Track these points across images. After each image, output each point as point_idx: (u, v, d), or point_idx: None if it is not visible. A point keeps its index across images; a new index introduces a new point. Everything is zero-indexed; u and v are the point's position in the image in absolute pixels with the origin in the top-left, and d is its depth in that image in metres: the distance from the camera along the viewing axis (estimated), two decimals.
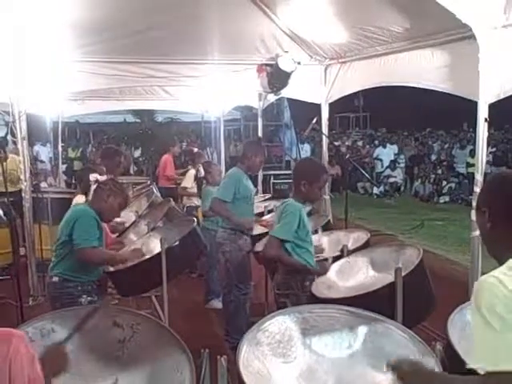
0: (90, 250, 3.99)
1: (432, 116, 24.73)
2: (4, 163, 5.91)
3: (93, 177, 4.54)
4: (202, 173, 6.94)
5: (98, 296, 4.15)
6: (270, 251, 4.04)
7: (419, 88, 5.72)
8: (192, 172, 8.15)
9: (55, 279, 4.11)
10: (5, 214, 6.71)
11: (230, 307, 5.69)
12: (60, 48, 6.56)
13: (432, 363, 2.51)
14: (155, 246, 4.63)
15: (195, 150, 9.15)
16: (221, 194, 5.50)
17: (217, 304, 6.70)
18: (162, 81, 7.76)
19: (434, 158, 19.58)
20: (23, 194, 7.07)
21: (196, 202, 7.82)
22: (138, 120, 18.24)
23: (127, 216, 6.06)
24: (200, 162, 7.67)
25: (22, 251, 7.63)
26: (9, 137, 7.71)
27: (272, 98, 8.99)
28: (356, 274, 4.05)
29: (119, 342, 2.70)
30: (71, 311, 2.90)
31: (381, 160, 18.92)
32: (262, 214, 6.49)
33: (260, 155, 5.63)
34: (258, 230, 5.78)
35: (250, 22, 6.51)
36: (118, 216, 4.52)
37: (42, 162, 14.73)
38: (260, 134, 10.26)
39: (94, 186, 4.45)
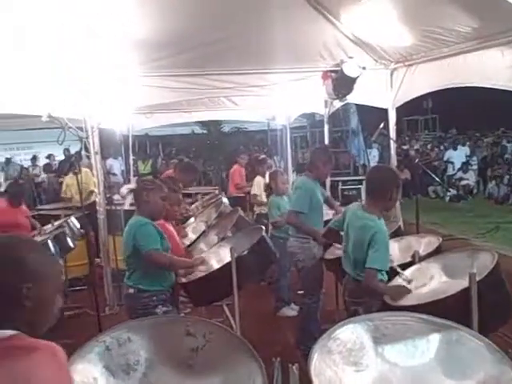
0: (154, 251, 4.10)
1: (504, 116, 23.89)
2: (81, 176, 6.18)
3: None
4: (269, 181, 6.99)
5: (172, 305, 4.25)
6: (370, 283, 3.85)
7: (489, 88, 5.56)
8: (260, 179, 8.20)
9: (131, 291, 4.24)
10: (81, 227, 6.95)
11: (301, 315, 5.71)
12: (129, 63, 6.76)
13: (510, 373, 2.43)
14: (225, 256, 4.68)
15: (263, 158, 9.17)
16: (296, 206, 5.51)
17: (287, 312, 6.72)
18: (228, 91, 7.86)
19: (508, 158, 18.92)
20: (97, 207, 7.30)
21: (266, 209, 7.84)
22: (205, 131, 18.50)
23: (197, 226, 6.17)
24: (268, 169, 7.71)
25: (97, 262, 7.87)
26: (83, 151, 7.99)
27: (338, 104, 8.94)
28: (428, 281, 3.97)
29: (192, 351, 2.75)
30: (147, 321, 2.97)
31: (452, 162, 18.45)
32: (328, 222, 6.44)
33: (328, 163, 5.61)
34: None
35: (314, 30, 6.51)
36: (164, 210, 4.57)
37: (114, 175, 15.14)
38: (327, 140, 10.21)
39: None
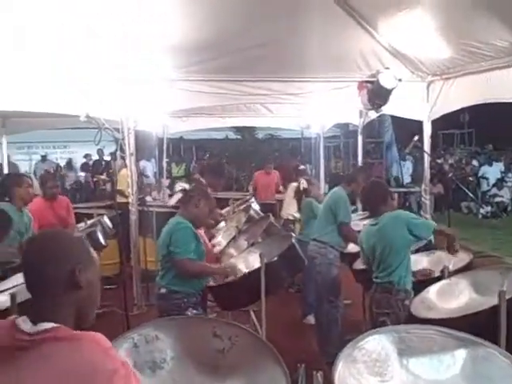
0: (186, 260, 4.16)
1: None
2: (115, 176, 6.27)
3: (179, 185, 4.71)
4: (306, 185, 6.99)
5: (202, 309, 4.31)
6: None
7: None
8: (293, 185, 8.21)
9: (163, 291, 4.31)
10: (113, 227, 7.04)
11: (322, 321, 5.76)
12: (167, 67, 6.85)
13: None
14: (254, 262, 4.72)
15: (299, 165, 9.21)
16: (345, 217, 5.74)
17: (313, 319, 6.72)
18: (263, 98, 7.91)
19: None
20: (130, 207, 7.39)
21: (295, 214, 7.86)
22: (239, 137, 18.60)
23: (228, 231, 6.22)
24: (302, 176, 7.70)
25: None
26: (118, 152, 8.10)
27: (373, 114, 8.92)
28: (457, 296, 3.95)
29: (218, 352, 2.78)
30: (175, 320, 3.02)
31: (486, 178, 18.20)
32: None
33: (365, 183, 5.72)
34: (355, 248, 5.78)
35: (351, 39, 6.51)
36: (209, 221, 4.65)
37: (146, 176, 15.30)
38: (360, 151, 10.20)
39: (179, 195, 4.61)
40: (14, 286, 4.09)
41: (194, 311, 4.20)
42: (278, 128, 15.81)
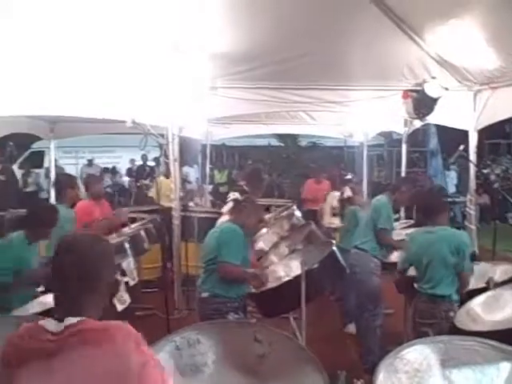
0: (231, 266, 4.20)
1: None
2: (159, 181, 6.37)
3: (232, 195, 4.83)
4: (350, 194, 6.96)
5: (243, 314, 4.34)
6: None
7: None
8: (334, 194, 8.18)
9: (204, 295, 4.36)
10: (157, 231, 7.13)
11: (362, 330, 5.74)
12: (210, 74, 6.92)
13: None
14: (295, 268, 4.72)
15: (345, 174, 9.17)
16: (385, 224, 5.70)
17: (353, 328, 6.67)
18: (306, 106, 7.91)
19: None
20: (173, 212, 7.47)
21: (337, 222, 7.82)
22: (281, 144, 18.63)
23: (269, 237, 6.24)
24: (346, 184, 7.66)
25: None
26: (162, 158, 8.21)
27: (418, 123, 8.83)
28: (502, 308, 3.88)
29: (258, 357, 2.80)
30: (216, 324, 3.05)
31: None
32: None
33: (410, 192, 5.78)
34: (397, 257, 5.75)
35: (397, 48, 6.45)
36: (257, 229, 4.74)
37: (189, 182, 15.45)
38: (404, 160, 10.10)
39: (231, 204, 4.71)
40: None
41: (236, 316, 4.24)
42: (320, 136, 15.79)
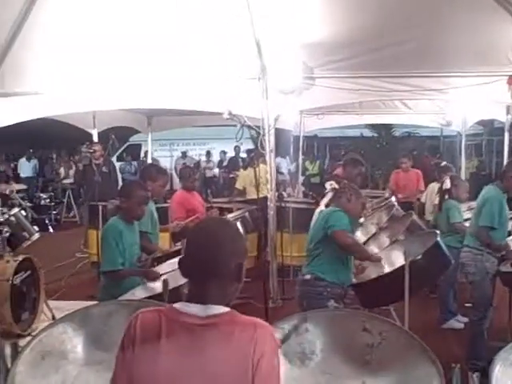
0: (342, 231, 4.22)
1: None
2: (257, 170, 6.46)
3: (329, 184, 4.82)
4: (448, 185, 6.67)
5: (343, 303, 4.32)
6: None
7: None
8: (434, 185, 7.94)
9: (307, 277, 4.40)
10: (253, 221, 7.21)
11: (468, 331, 5.51)
12: (306, 65, 6.90)
13: None
14: (397, 259, 4.63)
15: (443, 163, 8.85)
16: (487, 221, 5.19)
17: (454, 324, 6.48)
18: (403, 94, 7.73)
19: None
20: (268, 203, 7.52)
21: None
22: (375, 134, 18.38)
23: (368, 228, 6.15)
24: (446, 175, 7.39)
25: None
26: (256, 149, 8.26)
27: None
28: None
29: (368, 347, 2.76)
30: (324, 312, 3.04)
31: None
32: None
33: None
34: None
35: (502, 31, 6.17)
36: (361, 215, 4.71)
37: (281, 173, 15.52)
38: (506, 149, 9.67)
39: (331, 193, 4.71)
40: (165, 273, 4.30)
41: (336, 304, 4.22)
42: (415, 125, 15.43)
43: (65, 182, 16.58)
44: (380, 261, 4.62)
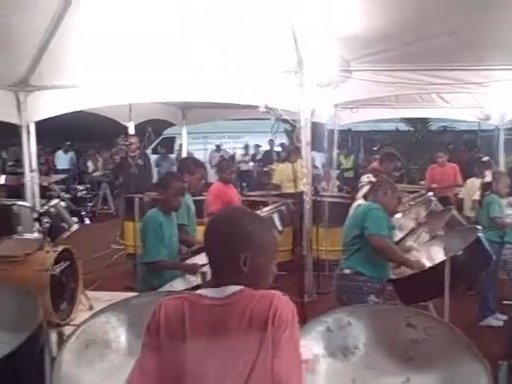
0: (379, 237, 4.18)
1: None
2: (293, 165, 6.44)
3: (366, 177, 4.79)
4: (490, 179, 6.56)
5: (382, 298, 4.29)
6: None
7: None
8: (473, 181, 7.81)
9: (347, 271, 4.38)
10: (289, 214, 7.20)
11: (508, 328, 5.42)
12: (344, 57, 6.84)
13: None
14: (436, 255, 4.58)
15: (484, 158, 8.70)
16: None
17: (492, 321, 6.37)
18: (440, 88, 7.61)
19: None
20: (304, 197, 7.48)
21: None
22: (411, 128, 18.17)
23: (406, 223, 6.09)
24: (487, 170, 7.26)
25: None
26: (291, 143, 8.23)
27: None
28: None
29: (412, 342, 2.73)
30: (367, 307, 3.02)
31: None
32: None
33: None
34: None
35: None
36: (397, 209, 4.68)
37: (315, 167, 15.44)
38: None
39: (367, 186, 4.68)
40: (204, 264, 4.30)
41: (376, 299, 4.20)
42: (452, 119, 15.19)
43: (94, 174, 16.79)
44: (417, 266, 4.53)
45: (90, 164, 17.28)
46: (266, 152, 17.98)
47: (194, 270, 4.31)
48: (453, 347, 2.65)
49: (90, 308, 6.22)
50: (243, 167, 18.33)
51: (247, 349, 1.76)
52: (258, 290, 1.85)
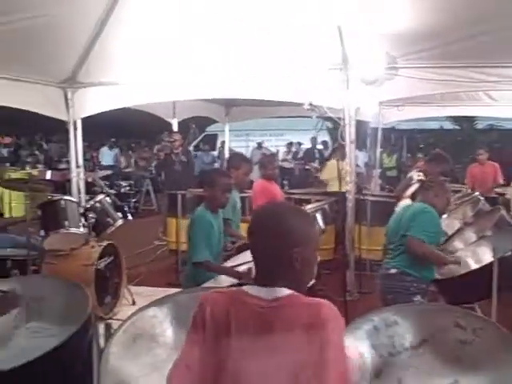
0: (418, 241, 4.12)
1: None
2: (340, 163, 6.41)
3: (417, 175, 4.73)
4: None
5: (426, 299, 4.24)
6: None
7: None
8: None
9: (393, 271, 4.33)
10: (332, 213, 7.16)
11: None
12: (389, 55, 6.76)
13: None
14: (484, 255, 4.50)
15: None
16: None
17: None
18: (489, 85, 7.45)
19: None
20: (347, 195, 7.43)
21: None
22: (456, 127, 17.90)
23: (452, 223, 5.99)
24: None
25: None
26: (337, 141, 8.17)
27: None
28: None
29: (460, 343, 2.69)
30: (414, 306, 2.99)
31: None
32: None
33: None
34: None
35: None
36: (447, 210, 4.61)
37: (357, 166, 15.30)
38: None
39: (416, 185, 4.62)
40: (249, 261, 4.30)
41: (421, 300, 4.15)
42: (500, 118, 14.90)
43: (125, 170, 17.01)
44: (458, 263, 4.46)
45: (122, 160, 17.51)
46: (308, 150, 17.91)
47: (238, 276, 4.26)
48: (504, 350, 2.59)
49: (133, 303, 6.32)
50: (285, 165, 18.29)
51: (291, 358, 1.74)
52: (306, 297, 1.83)
